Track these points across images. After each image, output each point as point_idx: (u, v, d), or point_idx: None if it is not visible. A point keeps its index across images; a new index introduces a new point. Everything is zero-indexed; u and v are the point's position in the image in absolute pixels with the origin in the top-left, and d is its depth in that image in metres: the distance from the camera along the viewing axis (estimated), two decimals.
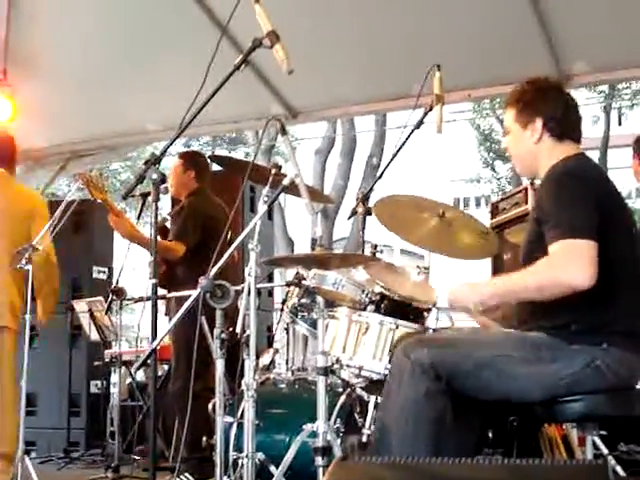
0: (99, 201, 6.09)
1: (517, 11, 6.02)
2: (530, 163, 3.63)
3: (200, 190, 6.30)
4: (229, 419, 4.05)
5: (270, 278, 7.88)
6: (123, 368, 7.41)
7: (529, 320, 3.45)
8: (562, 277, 3.18)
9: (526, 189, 6.19)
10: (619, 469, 4.76)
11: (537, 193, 3.51)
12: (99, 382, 8.64)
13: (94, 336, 7.78)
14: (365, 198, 4.78)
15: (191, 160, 6.41)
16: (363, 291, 4.10)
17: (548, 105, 3.55)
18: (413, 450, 3.16)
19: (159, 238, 6.03)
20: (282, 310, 4.73)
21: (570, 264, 3.17)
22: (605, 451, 4.56)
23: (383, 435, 3.35)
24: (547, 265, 3.23)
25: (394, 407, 3.33)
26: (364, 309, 4.03)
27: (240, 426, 3.94)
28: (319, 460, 3.64)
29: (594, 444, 4.15)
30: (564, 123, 3.54)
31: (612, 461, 4.61)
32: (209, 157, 6.99)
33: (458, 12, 6.19)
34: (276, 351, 4.89)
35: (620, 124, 35.91)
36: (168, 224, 6.33)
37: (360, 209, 4.77)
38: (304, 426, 3.79)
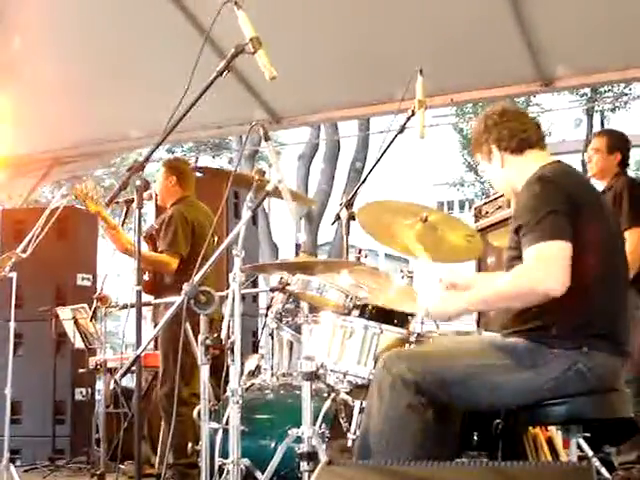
0: (92, 212, 5.95)
1: (499, 16, 6.05)
2: (510, 188, 3.68)
3: (185, 198, 6.25)
4: (215, 425, 4.04)
5: (254, 284, 7.89)
6: (108, 375, 7.37)
7: (510, 325, 3.47)
8: (536, 285, 3.21)
9: None
10: (604, 471, 4.78)
11: (515, 203, 3.55)
12: (84, 389, 8.60)
13: (78, 343, 7.75)
14: (349, 203, 4.78)
15: (172, 167, 6.34)
16: (347, 296, 4.10)
17: (492, 131, 3.65)
18: None
19: (148, 248, 6.03)
20: (267, 316, 4.72)
21: (544, 271, 3.20)
22: (590, 453, 4.58)
23: (366, 449, 3.35)
24: (521, 273, 3.27)
25: (376, 422, 3.33)
26: (348, 314, 4.04)
27: (226, 432, 3.94)
28: (304, 465, 3.65)
29: (578, 446, 4.17)
30: (514, 137, 3.62)
31: (596, 463, 4.63)
32: (192, 168, 6.96)
33: (440, 17, 6.22)
34: (261, 357, 4.89)
35: (602, 127, 36.05)
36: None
37: (344, 214, 4.78)
38: (289, 431, 3.80)
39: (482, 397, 3.34)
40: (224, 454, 3.82)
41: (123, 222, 6.08)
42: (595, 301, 3.34)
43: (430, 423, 3.28)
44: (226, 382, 3.70)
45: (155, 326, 6.23)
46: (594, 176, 5.88)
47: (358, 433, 3.82)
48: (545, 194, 3.35)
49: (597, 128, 31.55)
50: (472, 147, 3.82)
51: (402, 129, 5.00)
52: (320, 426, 3.93)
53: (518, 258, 3.35)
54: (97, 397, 8.77)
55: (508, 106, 3.82)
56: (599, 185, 5.79)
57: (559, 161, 3.62)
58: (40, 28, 6.73)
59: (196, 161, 24.54)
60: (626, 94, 25.18)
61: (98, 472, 6.32)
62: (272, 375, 4.60)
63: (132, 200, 5.38)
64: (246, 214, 3.75)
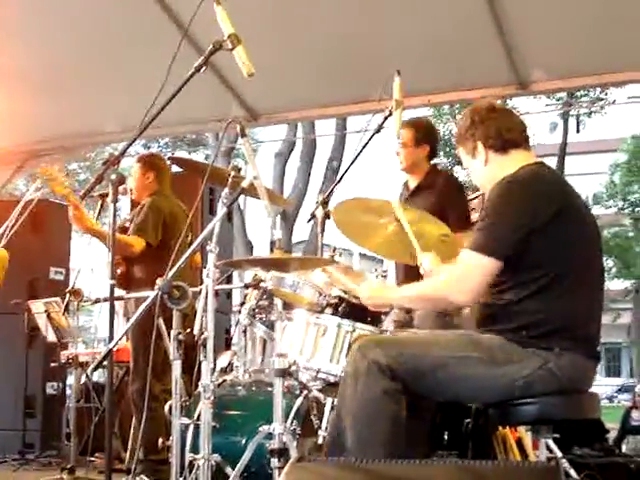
0: (59, 196, 5.97)
1: (477, 19, 6.06)
2: (490, 185, 3.65)
3: (159, 191, 6.26)
4: (186, 420, 4.05)
5: (229, 280, 7.87)
6: (79, 369, 7.34)
7: (485, 324, 3.49)
8: (448, 294, 3.42)
9: (482, 195, 6.22)
10: (572, 472, 4.82)
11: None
12: (55, 383, 8.57)
13: (51, 337, 7.71)
14: (325, 202, 4.79)
15: (149, 163, 6.35)
16: (321, 294, 4.11)
17: (478, 128, 3.66)
18: (368, 448, 3.20)
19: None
20: (240, 312, 4.73)
21: (460, 282, 3.40)
22: (559, 454, 4.61)
23: (338, 434, 3.38)
24: (443, 278, 3.47)
25: (350, 406, 3.35)
26: (322, 312, 4.05)
27: (197, 428, 3.94)
28: (275, 461, 3.66)
29: (548, 447, 4.20)
30: (500, 136, 3.62)
31: (565, 464, 4.66)
32: (168, 159, 6.95)
33: (418, 18, 6.23)
34: (234, 353, 4.89)
35: (578, 131, 36.22)
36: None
37: (319, 213, 4.79)
38: (260, 428, 3.81)
39: (454, 389, 3.38)
40: (195, 450, 3.82)
41: (97, 216, 6.07)
42: (571, 304, 3.37)
43: (404, 410, 3.31)
44: (198, 378, 3.70)
45: (127, 320, 6.22)
46: (404, 170, 5.73)
47: (331, 418, 3.84)
48: (507, 199, 3.41)
49: (573, 132, 31.76)
50: (456, 140, 3.82)
51: (379, 129, 5.01)
52: (291, 423, 3.94)
53: None
54: (68, 391, 8.73)
55: (496, 103, 3.83)
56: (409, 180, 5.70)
57: (541, 163, 3.63)
58: (16, 22, 6.68)
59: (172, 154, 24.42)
60: (602, 99, 25.30)
61: (68, 466, 6.30)
62: (244, 372, 4.60)
63: (107, 194, 5.37)
64: (221, 210, 3.76)
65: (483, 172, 3.68)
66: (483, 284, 3.33)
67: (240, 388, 4.56)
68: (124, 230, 6.14)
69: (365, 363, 3.33)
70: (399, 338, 3.69)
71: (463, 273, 3.39)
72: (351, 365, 3.44)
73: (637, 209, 32.23)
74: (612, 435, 6.61)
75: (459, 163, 28.96)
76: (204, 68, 3.74)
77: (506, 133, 3.62)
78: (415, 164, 5.60)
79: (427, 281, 3.57)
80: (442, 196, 5.32)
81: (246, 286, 4.62)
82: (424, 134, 5.64)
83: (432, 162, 5.72)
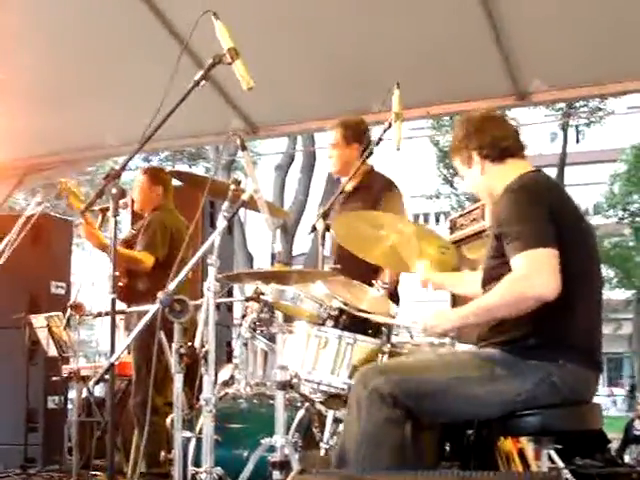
0: (75, 210, 6.03)
1: (475, 29, 6.08)
2: (489, 194, 3.72)
3: (164, 206, 6.32)
4: (188, 434, 4.04)
5: (229, 293, 7.88)
6: (81, 383, 7.34)
7: (487, 336, 3.49)
8: (528, 291, 3.24)
9: (483, 206, 6.23)
10: None
11: (495, 210, 3.56)
12: (57, 397, 8.56)
13: (52, 351, 7.71)
14: (325, 214, 4.80)
15: (157, 177, 6.42)
16: (322, 306, 4.11)
17: (473, 138, 3.67)
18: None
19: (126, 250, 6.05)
20: (241, 325, 4.72)
21: (534, 276, 3.23)
22: (561, 465, 4.60)
23: (342, 464, 3.35)
24: (513, 280, 3.28)
25: (353, 436, 3.34)
26: (323, 324, 4.05)
27: (199, 441, 3.94)
28: (277, 474, 3.65)
29: (550, 457, 4.20)
30: (495, 146, 3.63)
31: (567, 474, 4.66)
32: (169, 172, 6.98)
33: (417, 30, 6.25)
34: (235, 366, 4.89)
35: (578, 142, 36.28)
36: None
37: (320, 225, 4.79)
38: (262, 440, 3.80)
39: (457, 410, 3.37)
40: (197, 463, 3.81)
41: (98, 230, 6.09)
42: (572, 315, 3.36)
43: (408, 437, 3.29)
44: (200, 391, 3.70)
45: (128, 334, 6.23)
46: (337, 173, 5.64)
47: (333, 444, 3.83)
48: (528, 202, 3.38)
49: (572, 143, 31.81)
50: (451, 151, 3.83)
51: (379, 141, 5.02)
52: (293, 436, 3.93)
53: (500, 266, 3.37)
54: (70, 405, 8.72)
55: (489, 112, 3.83)
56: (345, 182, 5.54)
57: (539, 170, 3.64)
58: (16, 36, 6.69)
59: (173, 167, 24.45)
60: (601, 109, 25.38)
61: None
62: (246, 384, 4.59)
63: (107, 208, 5.39)
64: (222, 223, 3.76)
65: (480, 181, 3.70)
66: (557, 273, 3.21)
67: (242, 401, 4.55)
68: (129, 243, 6.18)
69: (366, 392, 3.33)
70: (399, 363, 3.67)
71: (534, 268, 3.24)
72: (353, 396, 3.44)
73: (637, 219, 32.25)
74: (614, 445, 6.60)
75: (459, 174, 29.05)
76: (203, 82, 3.76)
77: (502, 142, 3.64)
78: (348, 164, 5.43)
79: (490, 292, 3.40)
80: (378, 198, 5.25)
81: (247, 299, 4.62)
82: (353, 133, 5.54)
83: (370, 164, 5.55)
